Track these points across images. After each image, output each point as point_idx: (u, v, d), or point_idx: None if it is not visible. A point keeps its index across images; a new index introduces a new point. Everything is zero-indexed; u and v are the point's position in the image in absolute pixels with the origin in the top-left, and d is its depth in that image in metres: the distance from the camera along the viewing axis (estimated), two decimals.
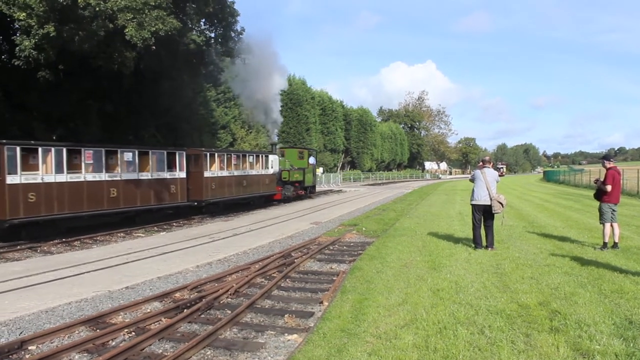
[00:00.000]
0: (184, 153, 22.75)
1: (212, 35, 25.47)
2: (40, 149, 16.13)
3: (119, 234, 17.91)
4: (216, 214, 24.68)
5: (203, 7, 21.98)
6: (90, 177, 17.79)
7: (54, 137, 23.90)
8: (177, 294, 9.42)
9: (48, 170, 16.34)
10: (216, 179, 24.42)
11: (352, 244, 15.05)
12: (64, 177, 16.81)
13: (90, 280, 10.60)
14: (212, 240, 16.33)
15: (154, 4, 16.66)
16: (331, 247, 14.48)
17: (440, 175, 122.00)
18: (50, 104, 23.31)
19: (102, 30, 16.69)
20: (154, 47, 18.99)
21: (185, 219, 22.39)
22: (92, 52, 18.01)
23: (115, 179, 18.79)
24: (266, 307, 8.68)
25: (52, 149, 16.47)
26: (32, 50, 16.72)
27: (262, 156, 29.47)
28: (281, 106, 63.53)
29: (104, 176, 18.27)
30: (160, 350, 6.71)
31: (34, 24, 16.03)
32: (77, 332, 7.39)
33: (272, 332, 7.29)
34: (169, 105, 30.64)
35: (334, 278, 10.52)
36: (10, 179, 15.18)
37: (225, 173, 25.17)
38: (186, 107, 33.39)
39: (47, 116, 23.95)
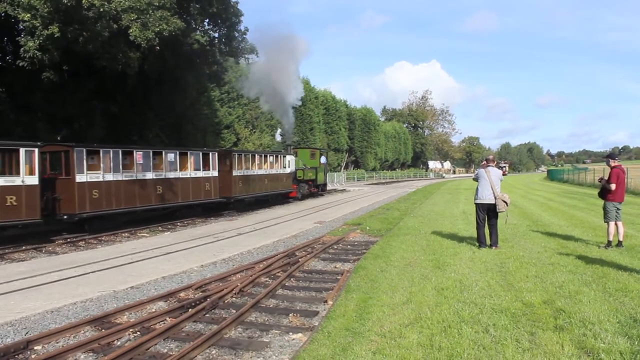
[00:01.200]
0: (216, 153, 24.67)
1: (216, 35, 25.55)
2: (101, 151, 18.19)
3: (123, 234, 17.97)
4: (241, 209, 26.63)
5: (207, 7, 22.04)
6: (140, 175, 19.87)
7: (59, 138, 23.98)
8: (182, 294, 9.45)
9: (107, 170, 18.35)
10: (243, 178, 26.58)
11: (356, 243, 15.06)
12: (120, 176, 18.88)
13: (95, 280, 10.63)
14: (217, 239, 16.35)
15: (157, 4, 16.71)
16: (335, 247, 14.48)
17: (444, 175, 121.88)
18: (54, 104, 23.38)
19: (106, 31, 16.73)
20: (158, 48, 19.05)
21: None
22: (97, 53, 18.06)
23: (160, 177, 20.83)
24: (271, 306, 8.69)
25: (111, 151, 18.57)
26: (36, 51, 16.78)
27: (280, 156, 31.88)
28: None
29: (151, 175, 20.32)
30: (166, 350, 6.73)
31: (38, 24, 16.08)
32: (82, 332, 7.42)
33: (276, 331, 7.31)
34: (173, 105, 30.68)
35: (338, 277, 10.52)
36: (79, 178, 17.24)
37: (250, 172, 27.40)
38: (190, 107, 33.43)
39: (51, 117, 24.02)
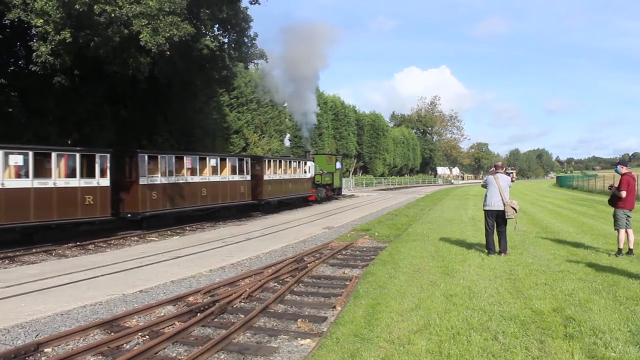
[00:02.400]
0: (250, 159, 27.20)
1: (226, 40, 25.66)
2: (159, 156, 20.35)
3: (132, 238, 18.06)
4: (269, 211, 28.71)
5: (217, 13, 22.14)
6: (189, 179, 21.97)
7: (69, 142, 24.13)
8: (191, 298, 9.47)
9: (163, 174, 20.42)
10: (271, 181, 28.79)
11: (364, 249, 15.05)
12: (173, 179, 20.99)
13: (105, 284, 10.68)
14: (225, 244, 16.39)
15: (168, 9, 16.80)
16: (344, 252, 14.48)
17: (452, 181, 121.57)
18: (65, 108, 23.53)
19: (117, 36, 16.84)
20: (168, 53, 19.14)
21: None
22: (107, 58, 18.18)
23: (204, 180, 22.88)
24: (279, 311, 8.70)
25: (166, 157, 20.87)
26: (48, 56, 16.91)
27: (302, 162, 34.34)
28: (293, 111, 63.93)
29: (197, 178, 22.44)
30: (174, 354, 6.75)
31: (50, 30, 16.21)
32: (92, 335, 7.45)
33: (285, 337, 7.31)
34: (183, 110, 30.81)
35: (347, 283, 10.52)
36: (142, 180, 19.29)
37: (277, 177, 29.60)
38: (199, 111, 33.56)
39: (62, 121, 24.17)
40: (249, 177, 26.17)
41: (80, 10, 15.74)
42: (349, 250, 14.83)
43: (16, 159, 15.22)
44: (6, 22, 20.70)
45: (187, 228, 21.09)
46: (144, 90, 25.22)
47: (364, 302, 8.06)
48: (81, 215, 17.16)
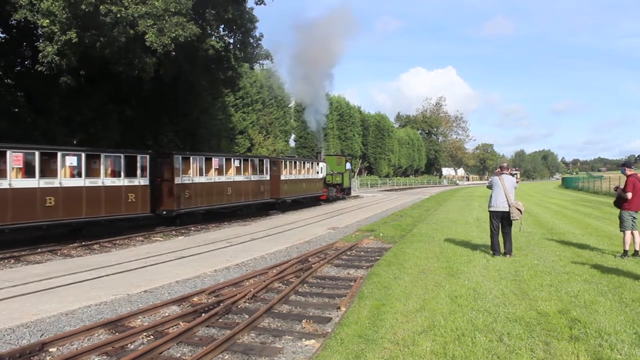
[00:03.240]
0: (269, 160, 28.83)
1: (231, 41, 25.69)
2: (191, 157, 21.78)
3: (137, 238, 18.10)
4: (285, 209, 30.28)
5: (222, 14, 22.18)
6: (217, 178, 23.41)
7: (75, 142, 24.21)
8: (195, 298, 9.48)
9: (195, 174, 21.84)
10: (288, 181, 30.31)
11: (369, 250, 15.03)
12: (204, 179, 22.46)
13: (110, 284, 10.70)
14: (230, 244, 16.40)
15: (174, 10, 16.85)
16: (348, 253, 14.47)
17: (457, 182, 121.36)
18: (71, 108, 23.62)
19: (123, 37, 16.89)
20: (173, 53, 19.21)
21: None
22: (113, 58, 18.24)
23: (230, 180, 24.32)
24: (284, 312, 8.70)
25: (197, 157, 22.30)
26: (54, 56, 16.97)
27: (314, 163, 36.03)
28: (298, 111, 64.13)
29: (223, 178, 23.90)
30: (179, 354, 6.76)
31: (56, 30, 16.27)
32: (96, 334, 7.47)
33: (289, 337, 7.31)
34: (188, 110, 30.88)
35: (352, 284, 10.51)
36: (177, 180, 20.60)
37: (293, 177, 31.12)
38: (204, 112, 33.65)
39: (68, 121, 24.26)
40: (268, 177, 27.94)
41: (86, 10, 15.80)
42: (353, 251, 14.82)
43: (71, 160, 16.53)
44: (13, 22, 20.80)
45: (192, 228, 21.12)
46: (149, 91, 25.30)
47: (368, 303, 8.05)
48: (125, 211, 18.68)
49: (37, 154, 15.33)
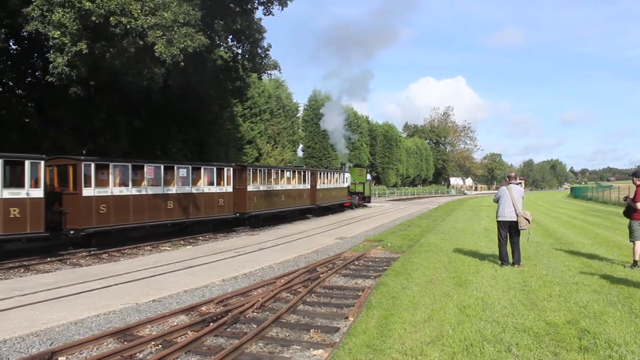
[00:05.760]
0: (309, 171, 33.33)
1: (239, 51, 25.83)
2: (258, 169, 26.45)
3: (145, 247, 18.15)
4: (319, 214, 34.32)
5: (231, 24, 22.31)
6: (275, 187, 27.66)
7: (84, 152, 24.36)
8: (204, 308, 9.50)
9: (261, 182, 26.06)
10: (322, 190, 34.65)
11: (377, 260, 15.01)
12: (266, 187, 26.58)
13: (118, 293, 10.74)
14: (238, 254, 16.42)
15: (183, 21, 16.96)
16: (356, 263, 14.46)
17: (465, 191, 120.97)
18: (81, 119, 23.79)
19: (133, 47, 17.01)
20: (182, 64, 19.30)
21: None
22: (122, 69, 18.36)
23: (283, 188, 28.70)
24: (292, 321, 8.70)
25: (263, 169, 27.13)
26: (64, 67, 17.09)
27: (341, 174, 40.75)
28: (306, 121, 64.28)
29: (279, 187, 28.05)
30: None
31: (67, 41, 16.41)
32: (105, 343, 7.50)
33: (297, 347, 7.31)
34: (196, 120, 31.01)
35: (360, 293, 10.50)
36: (249, 188, 24.84)
37: (325, 186, 35.51)
38: (213, 122, 33.79)
39: (77, 131, 24.44)
40: (308, 186, 32.35)
41: (97, 22, 15.95)
42: (361, 261, 14.80)
43: (182, 172, 20.83)
44: (24, 34, 20.99)
45: (200, 238, 21.16)
46: (158, 101, 25.45)
47: (376, 312, 8.04)
48: (217, 213, 22.79)
49: (162, 167, 19.78)
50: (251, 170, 25.35)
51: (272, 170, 27.76)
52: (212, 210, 22.43)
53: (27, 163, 14.92)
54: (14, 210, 14.52)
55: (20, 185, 14.77)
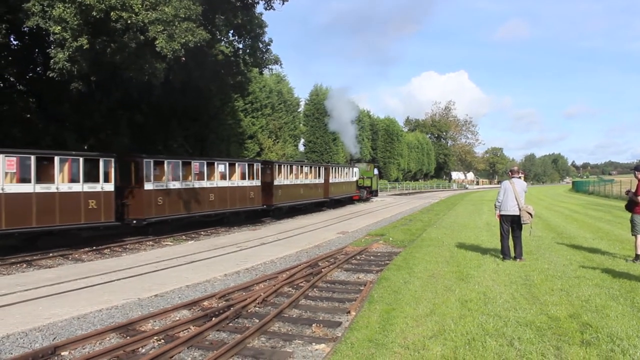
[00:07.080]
0: (323, 167, 36.02)
1: (240, 46, 25.75)
2: (283, 165, 29.15)
3: (147, 243, 18.17)
4: (332, 206, 36.95)
5: (232, 19, 22.25)
6: (296, 181, 30.24)
7: (85, 147, 24.36)
8: (206, 303, 9.52)
9: (284, 177, 28.63)
10: (334, 184, 36.99)
11: (379, 254, 15.02)
12: (289, 181, 29.19)
13: (121, 288, 10.77)
14: (240, 249, 16.45)
15: (184, 16, 16.91)
16: (358, 257, 14.47)
17: (467, 186, 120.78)
18: (82, 114, 23.79)
19: (133, 42, 16.98)
20: (183, 58, 19.25)
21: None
22: (123, 64, 18.32)
23: (303, 183, 31.32)
24: (294, 316, 8.72)
25: (287, 164, 30.00)
26: (65, 63, 17.06)
27: (350, 168, 43.34)
28: (307, 116, 64.20)
29: (298, 181, 30.65)
30: (189, 358, 6.79)
31: (68, 37, 16.37)
32: (108, 338, 7.52)
33: (299, 342, 7.32)
34: (197, 115, 31.00)
35: (361, 288, 10.51)
36: (275, 182, 27.10)
37: (337, 180, 37.84)
38: (214, 117, 33.77)
39: (78, 126, 24.43)
40: (322, 181, 34.76)
41: (97, 17, 15.90)
42: (363, 255, 14.81)
43: (221, 167, 23.11)
44: (25, 29, 20.98)
45: (202, 233, 21.19)
46: (159, 96, 25.41)
47: (378, 307, 8.05)
48: (249, 204, 24.97)
49: (205, 163, 22.24)
50: (277, 165, 27.74)
51: (294, 166, 30.47)
52: (245, 202, 24.64)
53: (101, 160, 17.27)
54: (92, 202, 16.84)
55: (96, 180, 17.01)
